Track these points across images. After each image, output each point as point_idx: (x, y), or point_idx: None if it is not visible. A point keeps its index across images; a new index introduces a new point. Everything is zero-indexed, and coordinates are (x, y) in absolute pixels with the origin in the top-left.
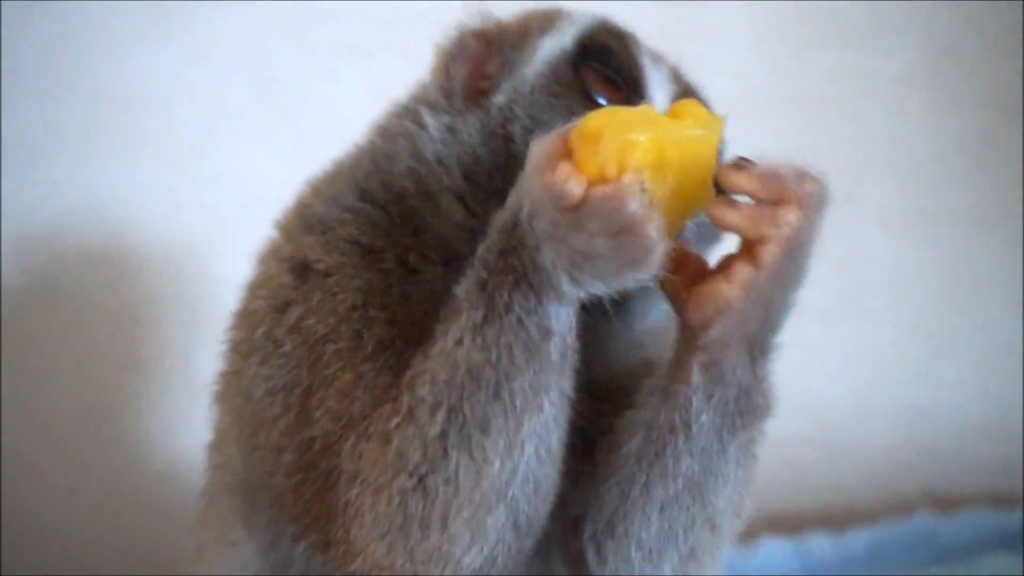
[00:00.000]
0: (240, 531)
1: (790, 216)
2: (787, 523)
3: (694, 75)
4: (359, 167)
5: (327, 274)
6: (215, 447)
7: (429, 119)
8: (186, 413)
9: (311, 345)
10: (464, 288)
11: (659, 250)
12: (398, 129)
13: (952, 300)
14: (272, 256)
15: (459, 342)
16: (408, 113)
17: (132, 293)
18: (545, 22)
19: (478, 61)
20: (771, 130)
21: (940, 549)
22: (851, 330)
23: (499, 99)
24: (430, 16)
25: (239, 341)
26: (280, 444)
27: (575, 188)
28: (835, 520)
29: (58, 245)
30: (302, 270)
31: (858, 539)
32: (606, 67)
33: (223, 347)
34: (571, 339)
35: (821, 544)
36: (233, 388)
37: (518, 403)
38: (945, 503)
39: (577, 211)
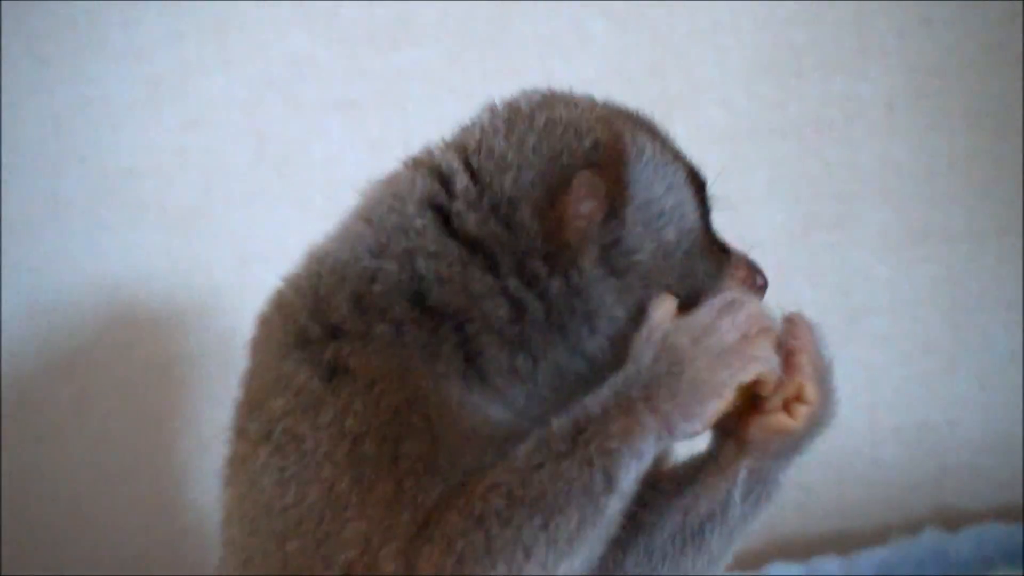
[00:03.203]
0: None
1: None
2: (797, 547)
3: (687, 110)
4: (400, 284)
5: (371, 381)
6: (225, 524)
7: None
8: (197, 469)
9: (347, 442)
10: (560, 422)
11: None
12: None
13: (952, 317)
14: (289, 354)
15: (539, 466)
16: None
17: (141, 356)
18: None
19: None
20: (765, 158)
21: (949, 566)
22: (855, 352)
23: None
24: (417, 69)
25: (246, 428)
26: (285, 531)
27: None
28: (845, 542)
29: (66, 312)
30: (340, 374)
31: (867, 561)
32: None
33: (228, 434)
34: (627, 503)
35: (830, 567)
36: (238, 473)
37: (560, 543)
38: (954, 520)
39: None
